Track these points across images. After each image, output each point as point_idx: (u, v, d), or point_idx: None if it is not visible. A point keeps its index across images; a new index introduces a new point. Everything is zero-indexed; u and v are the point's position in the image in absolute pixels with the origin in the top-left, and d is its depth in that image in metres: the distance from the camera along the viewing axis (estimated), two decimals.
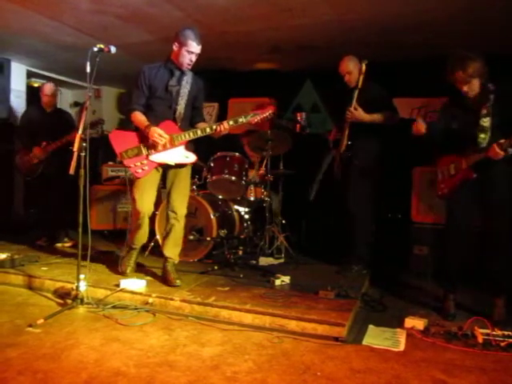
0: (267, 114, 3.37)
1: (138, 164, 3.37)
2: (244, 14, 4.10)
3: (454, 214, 3.15)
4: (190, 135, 3.36)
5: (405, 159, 4.62)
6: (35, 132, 4.67)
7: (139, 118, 3.37)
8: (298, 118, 5.65)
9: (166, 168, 3.49)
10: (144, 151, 3.38)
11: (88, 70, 3.05)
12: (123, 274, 3.59)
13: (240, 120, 3.34)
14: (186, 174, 3.57)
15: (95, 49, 3.07)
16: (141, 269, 3.84)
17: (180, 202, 3.54)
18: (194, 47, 3.28)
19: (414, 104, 5.21)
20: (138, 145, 3.39)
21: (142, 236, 3.64)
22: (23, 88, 6.24)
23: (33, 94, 6.18)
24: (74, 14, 4.17)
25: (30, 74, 6.39)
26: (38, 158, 4.64)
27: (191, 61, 3.34)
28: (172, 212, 3.53)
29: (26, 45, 5.22)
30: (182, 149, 3.39)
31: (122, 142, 3.40)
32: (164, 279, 3.50)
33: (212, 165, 4.37)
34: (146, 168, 3.38)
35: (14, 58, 5.84)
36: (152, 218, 3.78)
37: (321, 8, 3.89)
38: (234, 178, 4.25)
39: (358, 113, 3.74)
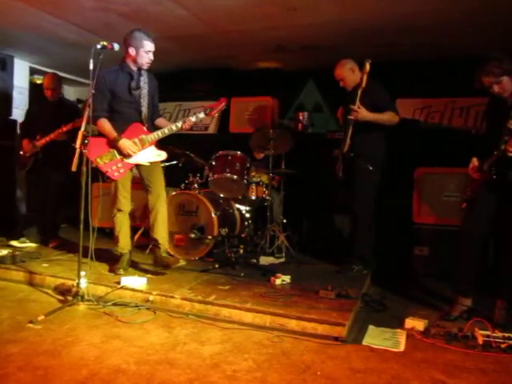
0: (222, 105, 3.68)
1: (114, 168, 3.50)
2: (248, 13, 4.09)
3: (471, 217, 3.03)
4: (158, 135, 3.52)
5: (407, 159, 4.61)
6: (36, 125, 4.58)
7: (106, 127, 3.46)
8: (300, 118, 5.63)
9: (138, 166, 3.63)
10: (118, 155, 3.50)
11: (91, 67, 3.06)
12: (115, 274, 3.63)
13: (200, 116, 3.59)
14: (158, 164, 3.72)
15: (98, 46, 3.08)
16: (141, 267, 3.85)
17: (161, 186, 3.71)
18: (150, 46, 3.44)
19: (416, 105, 5.20)
20: (110, 149, 3.49)
21: (127, 238, 3.76)
22: (26, 85, 6.23)
23: (35, 90, 6.18)
24: (78, 11, 4.17)
25: (32, 71, 6.38)
26: (27, 151, 4.54)
27: (150, 59, 3.49)
28: (157, 196, 3.67)
29: (29, 42, 5.22)
30: (153, 148, 3.57)
31: (95, 148, 3.37)
32: (163, 265, 3.62)
33: (213, 163, 4.36)
34: (122, 171, 3.53)
35: (17, 54, 5.84)
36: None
37: (327, 7, 3.87)
38: (235, 176, 4.24)
39: (361, 112, 3.73)
